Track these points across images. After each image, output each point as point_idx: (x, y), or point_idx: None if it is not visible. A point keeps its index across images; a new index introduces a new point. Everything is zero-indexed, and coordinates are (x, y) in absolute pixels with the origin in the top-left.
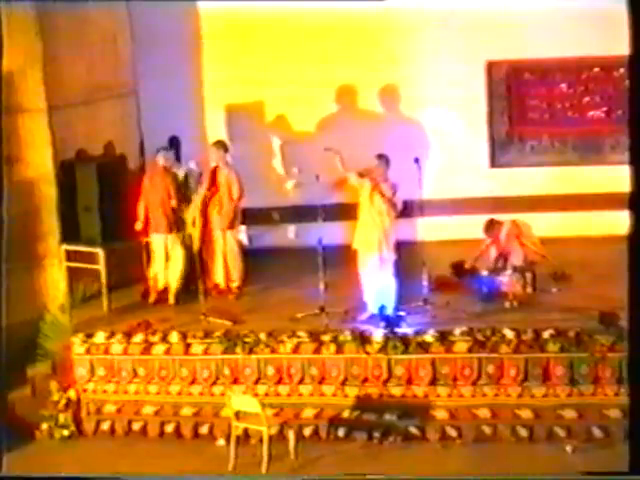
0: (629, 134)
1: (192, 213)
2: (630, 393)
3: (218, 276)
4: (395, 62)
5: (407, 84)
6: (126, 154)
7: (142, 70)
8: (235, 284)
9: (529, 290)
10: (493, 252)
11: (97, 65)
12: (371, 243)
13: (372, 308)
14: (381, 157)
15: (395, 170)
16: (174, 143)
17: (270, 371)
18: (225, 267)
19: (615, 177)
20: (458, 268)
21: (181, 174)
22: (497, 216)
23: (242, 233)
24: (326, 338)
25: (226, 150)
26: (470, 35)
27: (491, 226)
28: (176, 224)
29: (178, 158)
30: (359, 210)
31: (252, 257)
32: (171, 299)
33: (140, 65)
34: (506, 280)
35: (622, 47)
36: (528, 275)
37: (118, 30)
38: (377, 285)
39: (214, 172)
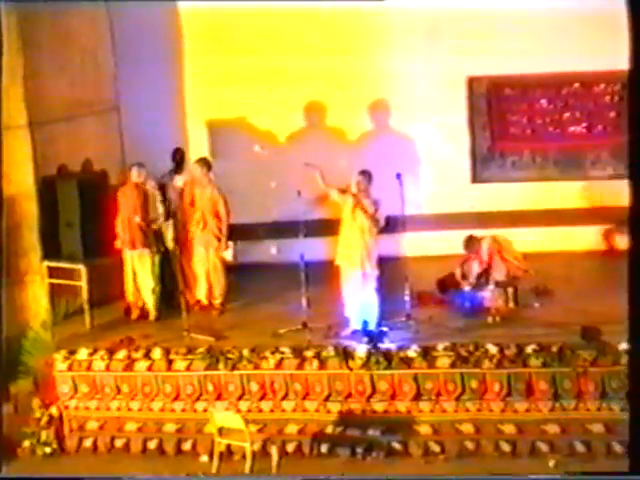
0: (628, 148)
1: (172, 229)
2: (630, 393)
3: (200, 293)
4: (376, 77)
5: (388, 99)
6: (108, 170)
7: (124, 86)
8: (218, 301)
9: (511, 305)
10: (476, 267)
11: (78, 81)
12: (353, 259)
13: (355, 324)
14: (363, 173)
15: (377, 185)
16: (178, 155)
17: (253, 387)
18: (208, 284)
19: (596, 192)
20: (443, 284)
21: (152, 189)
22: (479, 231)
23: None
24: (309, 354)
25: (209, 168)
26: (451, 50)
27: (470, 242)
28: (142, 240)
29: (181, 170)
30: (341, 226)
31: (235, 273)
32: (151, 316)
33: (122, 81)
34: (488, 295)
35: (603, 62)
36: (510, 290)
37: (99, 46)
38: (360, 301)
39: (192, 188)
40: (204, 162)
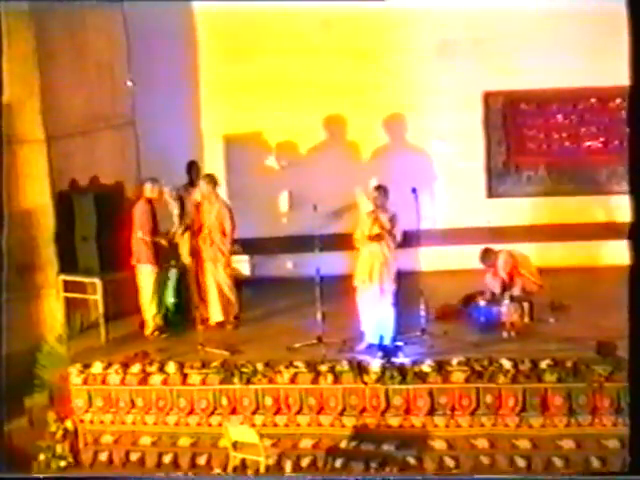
0: (628, 163)
1: (186, 244)
2: (630, 393)
3: (214, 308)
4: (393, 92)
5: (405, 114)
6: (124, 184)
7: (140, 100)
8: (232, 315)
9: (527, 320)
10: (490, 280)
11: (95, 95)
12: (372, 275)
13: (370, 338)
14: (379, 188)
15: (392, 200)
16: (192, 169)
17: (268, 401)
18: (221, 298)
19: (612, 207)
20: (467, 301)
21: (170, 200)
22: (495, 246)
23: (244, 263)
24: (324, 368)
25: (215, 184)
26: (467, 66)
27: (487, 255)
28: (146, 255)
29: (196, 184)
30: (358, 243)
31: (250, 287)
32: (146, 330)
33: (138, 95)
34: (504, 310)
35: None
36: (526, 305)
37: (115, 60)
38: (376, 315)
39: (200, 205)
40: (211, 179)
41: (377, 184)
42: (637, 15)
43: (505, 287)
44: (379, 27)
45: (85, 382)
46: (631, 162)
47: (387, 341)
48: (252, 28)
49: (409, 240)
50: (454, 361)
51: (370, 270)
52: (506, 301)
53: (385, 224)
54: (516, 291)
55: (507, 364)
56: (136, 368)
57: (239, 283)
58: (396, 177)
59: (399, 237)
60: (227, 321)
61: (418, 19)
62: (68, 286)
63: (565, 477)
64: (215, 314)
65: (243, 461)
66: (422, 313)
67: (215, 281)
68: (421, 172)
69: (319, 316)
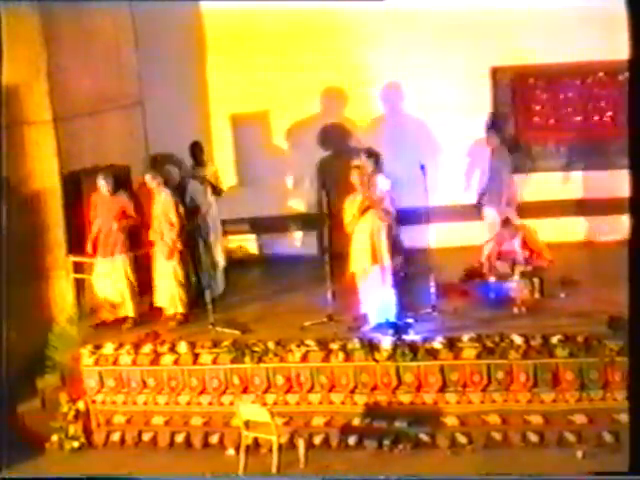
0: (629, 138)
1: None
2: (630, 395)
3: (161, 300)
4: (400, 69)
5: (413, 90)
6: (132, 165)
7: (147, 80)
8: (180, 310)
9: (537, 296)
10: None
11: (102, 76)
12: (374, 257)
13: (378, 317)
14: (370, 154)
15: (401, 177)
16: (195, 149)
17: (279, 380)
18: (170, 293)
19: (621, 182)
20: (470, 274)
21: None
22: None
23: (252, 242)
24: (335, 346)
25: (161, 173)
26: (475, 41)
27: (506, 225)
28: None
29: (199, 164)
30: (350, 227)
31: (259, 265)
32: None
33: (145, 75)
34: (514, 286)
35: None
36: (536, 281)
37: (122, 41)
38: (379, 296)
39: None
40: (154, 175)
41: (367, 149)
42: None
43: (513, 261)
44: (387, 6)
45: (97, 363)
46: (631, 136)
47: (392, 320)
48: (259, 12)
49: (418, 217)
50: (465, 337)
51: (371, 253)
52: (516, 277)
53: (375, 195)
54: (526, 267)
55: (518, 340)
56: (147, 348)
57: (235, 262)
58: (404, 154)
59: (393, 211)
60: (177, 315)
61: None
62: (78, 267)
63: (565, 477)
64: (160, 300)
65: (255, 440)
66: (432, 290)
67: (163, 273)
68: (429, 148)
69: (329, 294)
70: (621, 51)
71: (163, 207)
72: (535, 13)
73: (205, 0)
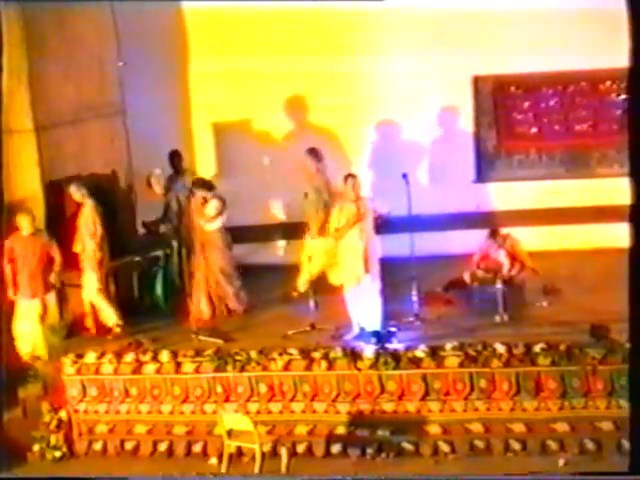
0: (629, 145)
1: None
2: (631, 394)
3: (87, 319)
4: (382, 77)
5: (394, 99)
6: (115, 173)
7: (129, 89)
8: (113, 323)
9: (520, 304)
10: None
11: (84, 84)
12: (364, 268)
13: (362, 325)
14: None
15: (383, 186)
16: (175, 157)
17: (262, 389)
18: (92, 311)
19: (602, 190)
20: (454, 284)
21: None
22: (484, 231)
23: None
24: (317, 355)
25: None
26: (456, 50)
27: (493, 236)
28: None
29: (179, 172)
30: (340, 235)
31: (241, 274)
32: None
33: (127, 84)
34: (497, 292)
35: (609, 59)
36: (518, 289)
37: (104, 49)
38: (365, 303)
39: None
40: (78, 187)
41: (347, 173)
42: (637, 15)
43: (497, 271)
44: (368, 13)
45: (79, 372)
46: (631, 145)
47: (378, 328)
48: (242, 18)
49: (400, 225)
50: (448, 346)
51: (364, 262)
52: (498, 285)
53: (355, 212)
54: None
55: (501, 348)
56: (129, 357)
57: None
58: (386, 163)
59: (372, 223)
60: (114, 327)
61: (408, 4)
62: None
63: (566, 477)
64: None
65: (238, 448)
66: (414, 299)
67: (87, 287)
68: (411, 157)
69: (312, 303)
70: (602, 60)
71: (85, 218)
72: (517, 20)
73: (188, 1)
